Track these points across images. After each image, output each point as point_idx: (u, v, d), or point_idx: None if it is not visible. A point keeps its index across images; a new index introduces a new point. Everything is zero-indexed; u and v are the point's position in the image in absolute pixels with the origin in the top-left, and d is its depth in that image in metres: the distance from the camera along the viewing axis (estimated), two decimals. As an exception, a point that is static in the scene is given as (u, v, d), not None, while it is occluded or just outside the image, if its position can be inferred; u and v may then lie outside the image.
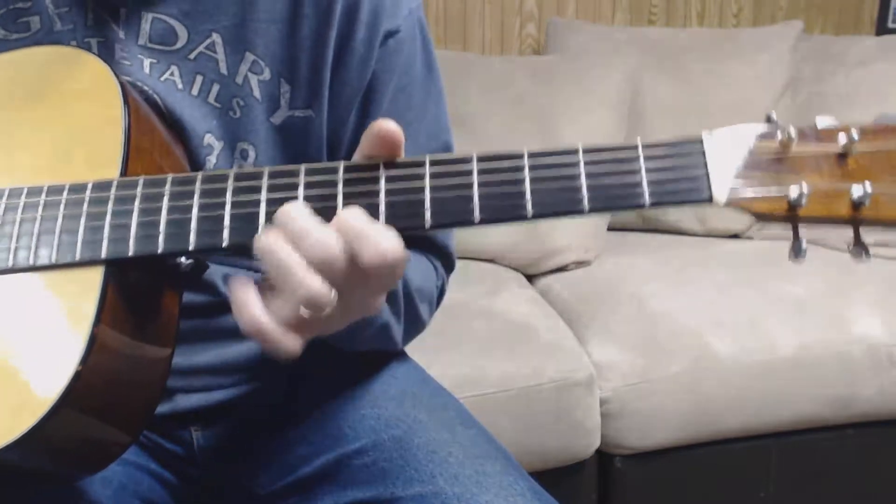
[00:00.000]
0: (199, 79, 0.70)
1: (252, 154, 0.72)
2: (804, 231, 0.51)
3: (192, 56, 0.70)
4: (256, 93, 0.71)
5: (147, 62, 0.69)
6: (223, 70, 0.70)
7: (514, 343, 1.47)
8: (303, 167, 0.55)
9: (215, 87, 0.71)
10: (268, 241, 0.51)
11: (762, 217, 0.50)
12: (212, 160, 0.71)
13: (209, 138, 0.71)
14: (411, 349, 0.87)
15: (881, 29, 2.45)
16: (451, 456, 0.72)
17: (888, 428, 1.56)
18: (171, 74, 0.70)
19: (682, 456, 1.51)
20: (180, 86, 0.70)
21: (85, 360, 0.53)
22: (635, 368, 1.46)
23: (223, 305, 0.75)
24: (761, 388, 1.48)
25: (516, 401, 1.39)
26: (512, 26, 2.27)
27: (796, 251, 0.51)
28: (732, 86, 2.02)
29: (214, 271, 0.73)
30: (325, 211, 0.53)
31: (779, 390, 1.49)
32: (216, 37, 0.70)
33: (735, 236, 1.98)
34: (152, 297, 0.60)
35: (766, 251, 1.81)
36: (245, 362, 0.77)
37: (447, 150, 0.80)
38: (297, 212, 0.51)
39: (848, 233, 0.50)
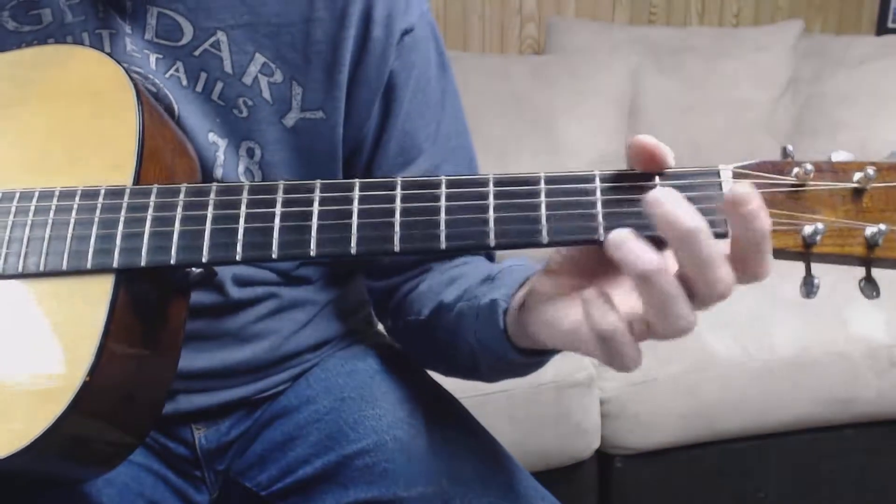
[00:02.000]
0: (203, 76, 0.70)
1: (259, 153, 0.72)
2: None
3: (196, 53, 0.70)
4: (266, 94, 0.71)
5: (153, 57, 0.69)
6: (227, 69, 0.70)
7: (514, 343, 1.47)
8: (318, 183, 0.55)
9: (219, 85, 0.71)
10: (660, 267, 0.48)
11: (775, 252, 0.49)
12: (220, 157, 0.71)
13: (212, 136, 0.71)
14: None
15: (881, 29, 2.45)
16: (454, 456, 0.72)
17: (888, 428, 1.56)
18: (177, 71, 0.70)
19: (682, 456, 1.51)
20: (184, 82, 0.70)
21: (93, 371, 0.53)
22: (635, 369, 1.46)
23: (230, 307, 0.75)
24: (761, 389, 1.48)
25: (516, 401, 1.39)
26: (512, 26, 2.27)
27: (808, 289, 0.50)
28: (732, 85, 2.02)
29: (224, 271, 0.73)
30: (341, 228, 0.53)
31: (779, 391, 1.49)
32: (221, 35, 0.70)
33: (735, 236, 1.97)
34: (161, 305, 0.60)
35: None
36: (247, 367, 0.77)
37: (467, 149, 0.81)
38: (707, 237, 0.48)
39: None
